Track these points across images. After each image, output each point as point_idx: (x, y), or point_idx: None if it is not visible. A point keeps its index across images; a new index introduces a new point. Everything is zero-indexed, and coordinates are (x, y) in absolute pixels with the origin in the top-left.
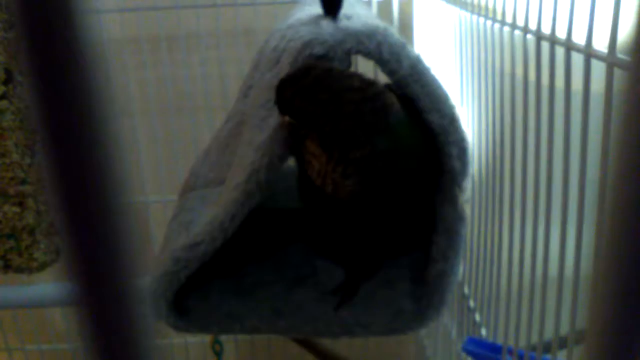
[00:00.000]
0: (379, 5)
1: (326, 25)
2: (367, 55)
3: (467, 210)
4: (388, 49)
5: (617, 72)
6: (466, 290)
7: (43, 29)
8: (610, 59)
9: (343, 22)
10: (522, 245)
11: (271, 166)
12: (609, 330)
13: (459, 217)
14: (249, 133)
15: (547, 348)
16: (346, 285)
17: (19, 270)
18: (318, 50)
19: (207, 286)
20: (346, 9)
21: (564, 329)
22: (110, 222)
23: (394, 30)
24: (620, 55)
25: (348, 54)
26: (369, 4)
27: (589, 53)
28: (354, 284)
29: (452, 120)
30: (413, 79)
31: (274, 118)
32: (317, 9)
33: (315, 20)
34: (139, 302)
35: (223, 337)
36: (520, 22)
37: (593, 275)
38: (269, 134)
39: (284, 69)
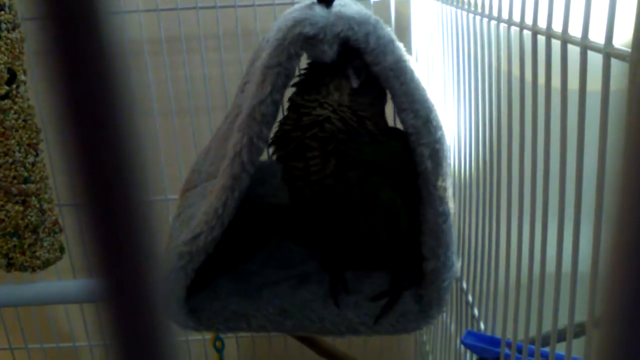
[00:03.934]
0: (376, 5)
1: (319, 9)
2: (355, 41)
3: (466, 205)
4: (376, 39)
5: (615, 63)
6: (464, 284)
7: (64, 29)
8: (607, 50)
9: (336, 7)
10: (520, 239)
11: (252, 146)
12: (619, 320)
13: (440, 215)
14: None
15: (545, 341)
16: (392, 293)
17: (22, 268)
18: (308, 30)
19: (215, 286)
20: (341, 1)
21: (562, 322)
22: (134, 220)
23: (386, 26)
24: (617, 46)
25: (338, 37)
26: (368, 4)
27: (585, 45)
28: (398, 292)
29: (426, 122)
30: (394, 74)
31: (266, 105)
32: None
33: (308, 6)
34: (160, 299)
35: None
36: (517, 19)
37: (591, 267)
38: (247, 113)
39: (272, 46)
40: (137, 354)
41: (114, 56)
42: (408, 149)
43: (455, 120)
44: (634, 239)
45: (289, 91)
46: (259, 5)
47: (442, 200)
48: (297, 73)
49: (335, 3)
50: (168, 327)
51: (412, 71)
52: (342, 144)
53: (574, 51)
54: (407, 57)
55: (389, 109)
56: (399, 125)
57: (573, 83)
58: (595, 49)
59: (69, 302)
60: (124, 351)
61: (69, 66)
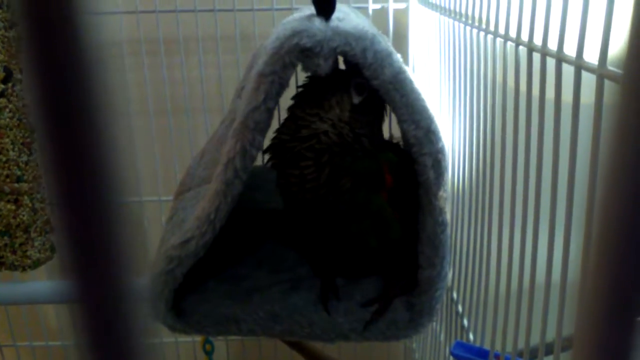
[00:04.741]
0: (374, 13)
1: (318, 22)
2: (352, 57)
3: (458, 216)
4: (373, 54)
5: (608, 84)
6: (454, 295)
7: (45, 30)
8: (601, 71)
9: (334, 22)
10: (511, 251)
11: (245, 153)
12: (597, 334)
13: (439, 225)
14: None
15: (533, 354)
16: (383, 299)
17: (13, 267)
18: (305, 42)
19: (205, 289)
20: (340, 14)
21: (551, 335)
22: (108, 221)
23: (384, 38)
24: (610, 68)
25: (334, 52)
26: (366, 13)
27: (579, 65)
28: (389, 299)
29: (427, 132)
30: (393, 87)
31: (260, 112)
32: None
33: (307, 17)
34: (135, 301)
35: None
36: (513, 34)
37: (580, 281)
38: (240, 120)
39: (268, 54)
40: (107, 356)
41: (91, 57)
42: (405, 161)
43: (449, 131)
44: (614, 254)
45: (285, 100)
46: (258, 10)
47: (442, 210)
48: (294, 84)
49: (333, 17)
50: (142, 329)
51: (411, 82)
52: (337, 156)
53: (568, 66)
54: (405, 68)
55: (387, 119)
56: (396, 132)
57: (567, 94)
58: (589, 69)
59: (58, 302)
60: (95, 353)
61: (45, 65)
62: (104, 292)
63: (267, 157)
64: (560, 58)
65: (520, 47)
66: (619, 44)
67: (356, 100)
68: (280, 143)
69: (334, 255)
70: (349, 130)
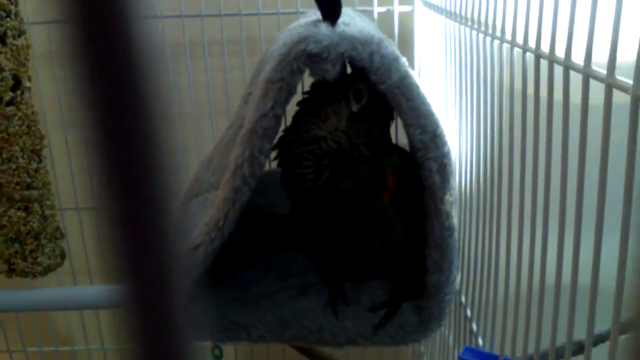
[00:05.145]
0: (379, 16)
1: (324, 27)
2: (359, 61)
3: (466, 219)
4: (380, 58)
5: (616, 92)
6: (463, 299)
7: (89, 33)
8: (609, 80)
9: (341, 27)
10: (520, 254)
11: (253, 159)
12: None
13: (446, 229)
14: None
15: (543, 358)
16: (391, 303)
17: (23, 274)
18: (312, 47)
19: (214, 295)
20: (346, 18)
21: (561, 339)
22: (158, 225)
23: (390, 43)
24: (619, 77)
25: (341, 57)
26: (371, 16)
27: (587, 74)
28: (398, 303)
29: (433, 137)
30: (400, 92)
31: (268, 119)
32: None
33: (313, 22)
34: (185, 305)
35: None
36: (520, 40)
37: (591, 285)
38: (249, 127)
39: (275, 60)
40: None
41: (143, 60)
42: (409, 164)
43: (456, 135)
44: None
45: (293, 106)
46: (263, 14)
47: (449, 214)
48: (300, 90)
49: (339, 21)
50: (190, 332)
51: (417, 87)
52: (338, 161)
53: (575, 73)
54: (411, 72)
55: (393, 124)
56: (400, 136)
57: (575, 97)
58: (598, 78)
59: (70, 309)
60: (144, 357)
61: (97, 70)
62: (158, 295)
63: (274, 154)
64: (568, 66)
65: (528, 54)
66: (627, 52)
67: (355, 108)
68: (286, 143)
69: (338, 257)
70: (346, 140)
